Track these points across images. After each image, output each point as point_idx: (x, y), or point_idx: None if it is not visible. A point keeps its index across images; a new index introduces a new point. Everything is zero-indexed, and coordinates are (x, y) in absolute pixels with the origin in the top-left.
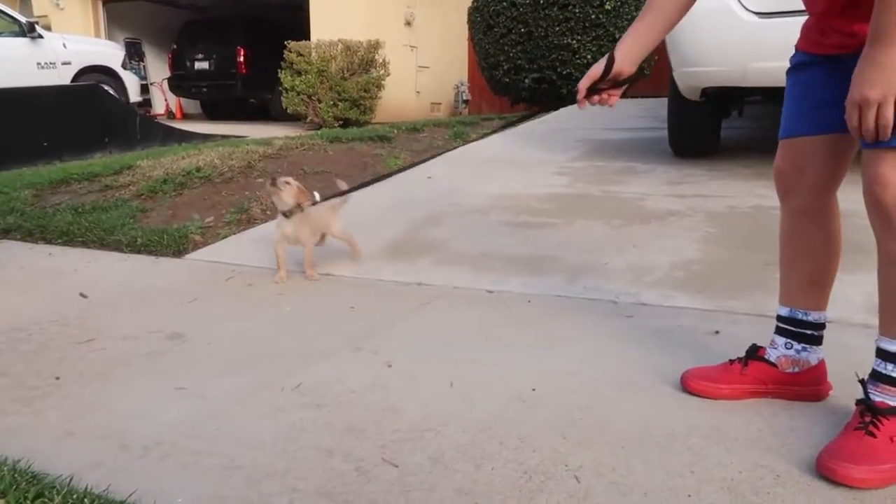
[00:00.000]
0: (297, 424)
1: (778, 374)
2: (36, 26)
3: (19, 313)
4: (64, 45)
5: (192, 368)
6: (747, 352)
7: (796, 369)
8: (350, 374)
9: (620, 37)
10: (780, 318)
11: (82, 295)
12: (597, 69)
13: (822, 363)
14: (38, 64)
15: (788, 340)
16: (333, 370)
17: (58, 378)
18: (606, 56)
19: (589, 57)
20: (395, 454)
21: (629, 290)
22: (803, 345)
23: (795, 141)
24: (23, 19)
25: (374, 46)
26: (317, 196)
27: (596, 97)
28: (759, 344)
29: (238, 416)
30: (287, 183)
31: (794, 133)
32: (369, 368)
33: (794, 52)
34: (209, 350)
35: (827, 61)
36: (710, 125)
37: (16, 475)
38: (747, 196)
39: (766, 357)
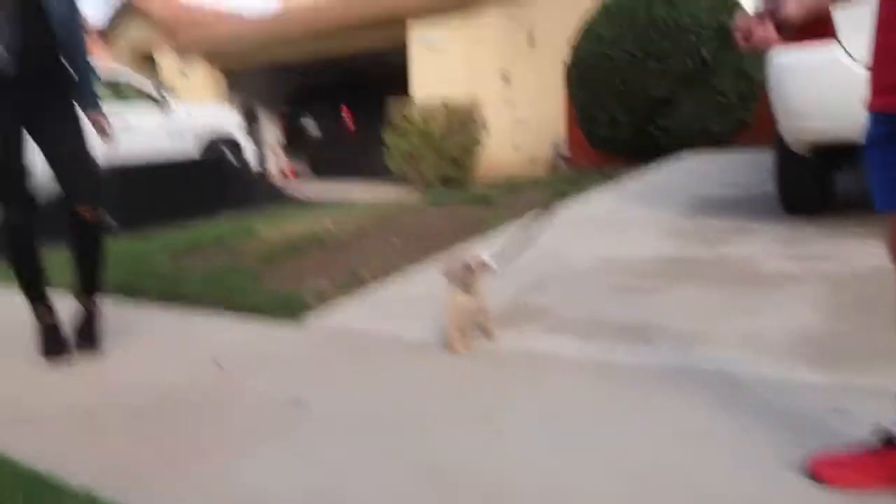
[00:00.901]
0: (415, 496)
1: None
2: (167, 97)
3: (160, 377)
4: (191, 115)
5: (314, 436)
6: (881, 436)
7: None
8: (461, 444)
9: (721, 88)
10: None
11: (214, 360)
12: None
13: None
14: (169, 133)
15: None
16: (445, 440)
17: (195, 442)
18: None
19: (690, 109)
20: None
21: (744, 361)
22: None
23: (891, 214)
24: (156, 91)
25: (473, 105)
26: (493, 266)
27: (757, 35)
28: (890, 426)
29: (357, 485)
30: (482, 265)
31: (886, 208)
32: (480, 439)
33: (866, 113)
34: (329, 417)
35: None
36: (822, 180)
37: None
38: (867, 256)
39: None
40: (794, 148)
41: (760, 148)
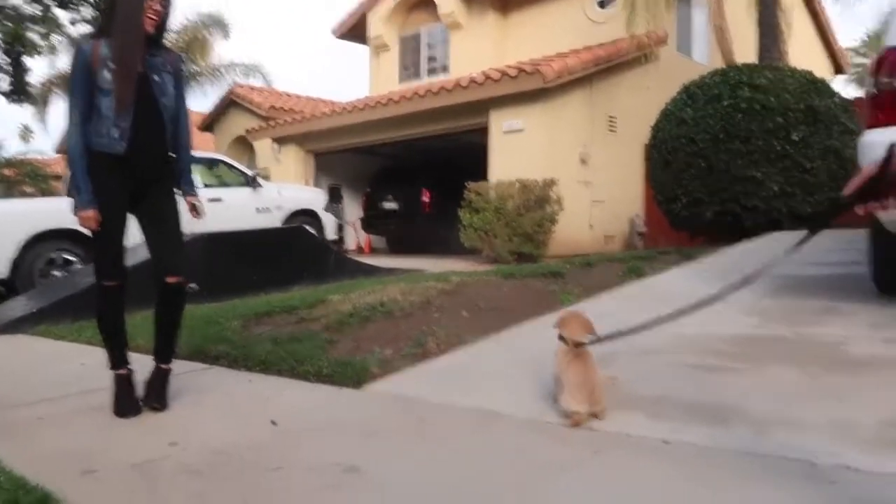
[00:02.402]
0: None
1: None
2: (258, 177)
3: (221, 437)
4: (279, 193)
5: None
6: None
7: None
8: None
9: (810, 167)
10: None
11: (273, 423)
12: (872, 165)
13: None
14: (257, 209)
15: None
16: None
17: (243, 501)
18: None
19: (776, 188)
20: None
21: (831, 451)
22: None
23: None
24: (249, 172)
25: (549, 184)
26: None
27: (875, 202)
28: None
29: None
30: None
31: None
32: None
33: None
34: (383, 487)
35: None
36: None
37: None
38: None
39: None
40: (890, 228)
41: (854, 228)
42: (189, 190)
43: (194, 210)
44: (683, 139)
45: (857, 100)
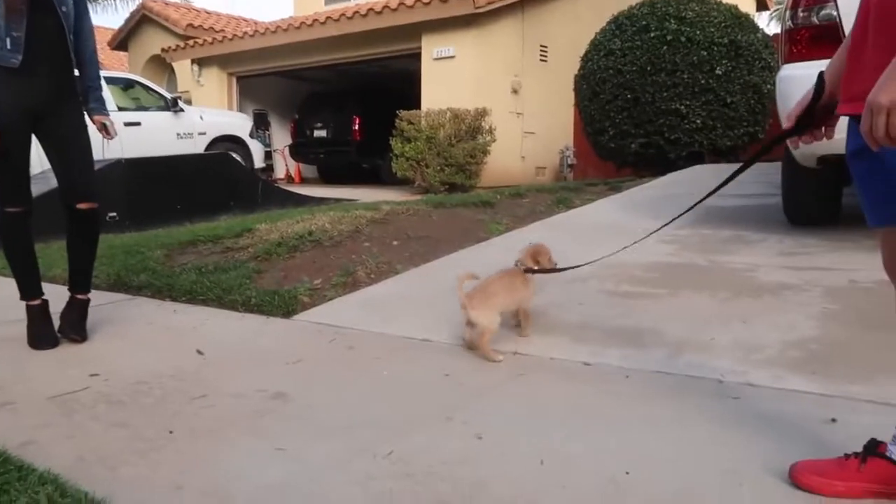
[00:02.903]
0: (386, 494)
1: None
2: (179, 101)
3: (143, 367)
4: (201, 118)
5: (291, 430)
6: (866, 447)
7: None
8: (440, 444)
9: (731, 101)
10: None
11: (199, 352)
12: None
13: None
14: (178, 134)
15: None
16: (424, 439)
17: (171, 432)
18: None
19: (698, 122)
20: None
21: (736, 369)
22: None
23: (882, 230)
24: (168, 95)
25: (482, 114)
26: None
27: (808, 135)
28: (880, 439)
29: (331, 482)
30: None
31: (872, 224)
32: (460, 439)
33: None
34: (309, 412)
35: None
36: (829, 192)
37: None
38: (871, 270)
39: (887, 454)
40: (801, 161)
41: (771, 162)
42: (98, 109)
43: (104, 130)
44: (611, 70)
45: (774, 36)
